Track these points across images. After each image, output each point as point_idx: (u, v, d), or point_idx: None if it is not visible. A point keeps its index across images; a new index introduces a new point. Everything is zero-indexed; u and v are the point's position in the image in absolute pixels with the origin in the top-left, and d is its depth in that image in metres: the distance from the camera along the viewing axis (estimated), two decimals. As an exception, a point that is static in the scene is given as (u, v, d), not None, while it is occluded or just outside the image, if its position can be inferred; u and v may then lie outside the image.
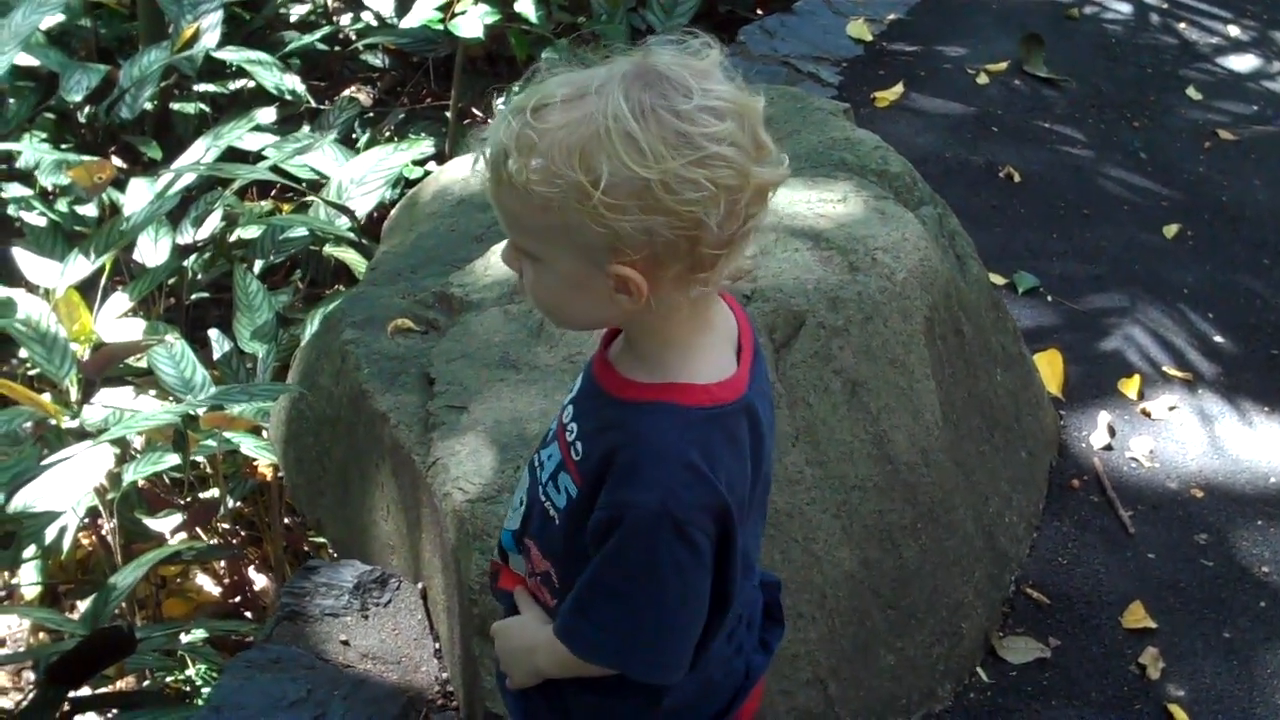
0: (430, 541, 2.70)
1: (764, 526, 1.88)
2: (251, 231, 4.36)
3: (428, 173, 4.37)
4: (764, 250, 2.87)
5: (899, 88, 5.17)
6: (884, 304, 2.86)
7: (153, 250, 4.14)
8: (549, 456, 1.73)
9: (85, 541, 3.82)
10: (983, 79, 5.33)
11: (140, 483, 3.58)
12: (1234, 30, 6.07)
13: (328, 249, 4.41)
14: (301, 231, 4.35)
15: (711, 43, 1.55)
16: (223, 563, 3.94)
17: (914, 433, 2.86)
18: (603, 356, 1.68)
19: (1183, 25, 6.08)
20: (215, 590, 3.92)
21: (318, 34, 5.29)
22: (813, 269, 2.85)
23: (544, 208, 1.50)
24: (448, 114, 5.31)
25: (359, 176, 4.39)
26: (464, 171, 3.62)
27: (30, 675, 3.70)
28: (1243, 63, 5.81)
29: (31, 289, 3.95)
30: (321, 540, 3.61)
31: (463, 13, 4.91)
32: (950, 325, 3.08)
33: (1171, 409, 3.72)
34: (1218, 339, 4.02)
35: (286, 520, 3.95)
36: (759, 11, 6.06)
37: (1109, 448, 3.57)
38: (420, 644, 2.74)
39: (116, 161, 4.96)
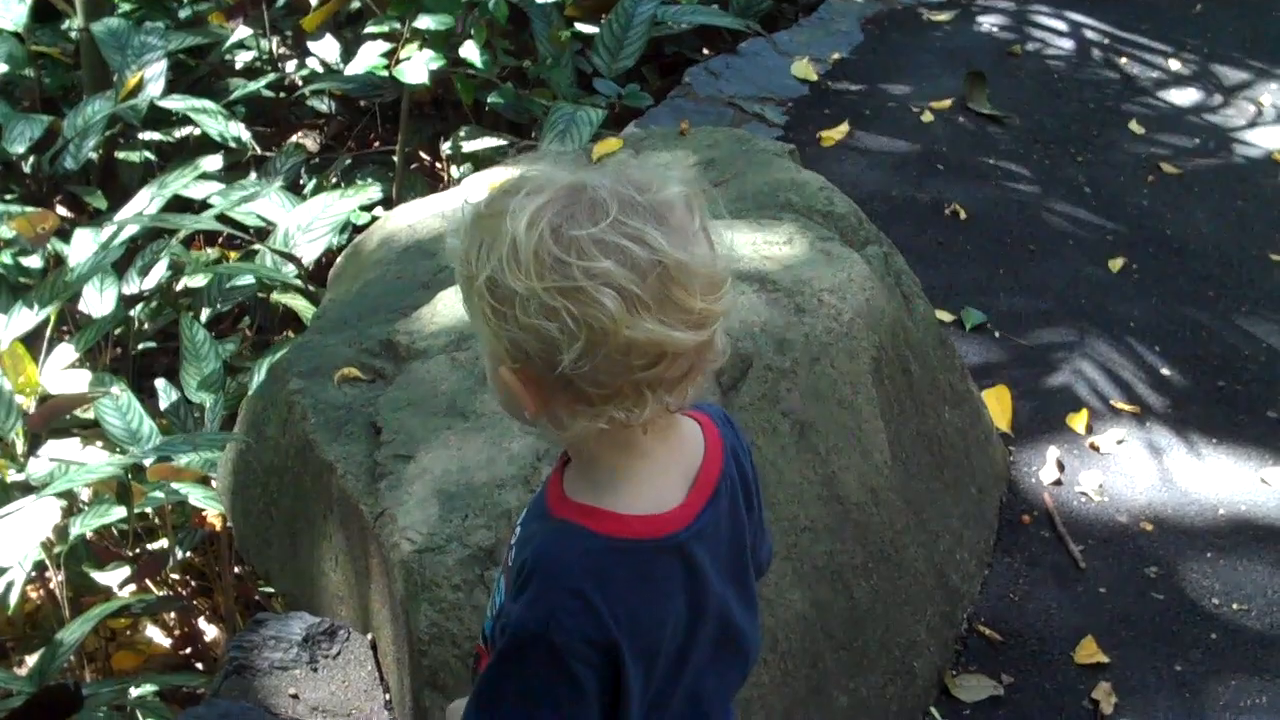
0: (379, 592, 2.68)
1: (741, 667, 1.77)
2: (198, 280, 4.34)
3: (375, 218, 4.36)
4: (710, 293, 2.88)
5: (844, 127, 5.19)
6: (831, 345, 2.87)
7: (98, 300, 4.12)
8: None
9: (33, 595, 3.78)
10: (927, 117, 5.36)
11: (88, 535, 3.55)
12: (1175, 64, 6.13)
13: (275, 296, 4.40)
14: (248, 280, 4.34)
15: (696, 192, 1.51)
16: (173, 614, 3.90)
17: (863, 472, 2.87)
18: (559, 468, 1.63)
19: (1124, 60, 6.13)
20: (166, 642, 3.88)
21: (263, 81, 5.27)
22: (759, 311, 2.85)
23: (465, 295, 1.51)
24: (395, 159, 5.30)
25: (305, 223, 4.38)
26: (410, 218, 3.61)
27: (-23, 733, 3.66)
28: (1184, 96, 5.87)
29: (-24, 342, 3.92)
30: (272, 590, 3.59)
31: (407, 59, 4.91)
32: (898, 364, 3.08)
33: (1120, 442, 3.74)
34: (1165, 372, 4.04)
35: (237, 570, 3.92)
36: (705, 52, 6.08)
37: (1058, 483, 3.58)
38: (370, 695, 2.72)
39: (61, 211, 4.93)
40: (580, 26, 5.59)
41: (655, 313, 1.43)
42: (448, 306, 3.04)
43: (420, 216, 3.58)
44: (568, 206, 1.44)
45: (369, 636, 2.80)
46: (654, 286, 1.43)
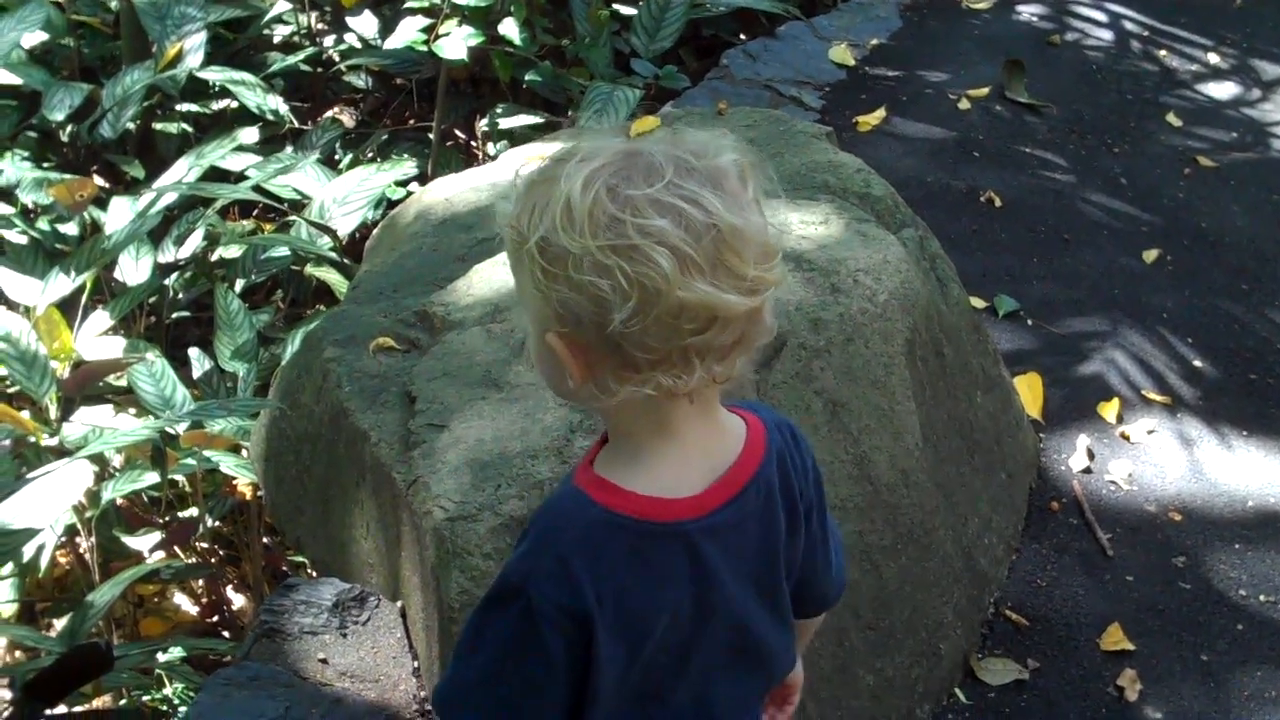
0: (410, 560, 2.70)
1: (762, 680, 1.76)
2: (233, 251, 4.36)
3: (410, 193, 4.37)
4: (745, 271, 2.88)
5: (881, 112, 5.19)
6: (865, 325, 2.87)
7: (134, 269, 4.14)
8: None
9: (63, 559, 3.81)
10: (964, 104, 5.36)
11: (119, 501, 3.57)
12: (1214, 58, 6.11)
13: (309, 269, 4.41)
14: (283, 251, 4.35)
15: (749, 161, 1.51)
16: (200, 582, 3.93)
17: (895, 454, 2.87)
18: (598, 444, 1.63)
19: (1163, 53, 6.11)
20: (193, 609, 3.90)
21: (301, 55, 5.29)
22: (794, 290, 2.85)
23: (514, 260, 1.51)
24: (431, 135, 5.31)
25: (341, 196, 4.39)
26: (446, 192, 3.62)
27: (7, 693, 3.68)
28: (1222, 90, 5.85)
29: (12, 307, 3.94)
30: (301, 560, 3.60)
31: (446, 34, 4.92)
32: (931, 347, 3.08)
33: (1150, 432, 3.74)
34: (1197, 363, 4.04)
35: (265, 540, 3.94)
36: (742, 36, 6.08)
37: (1088, 470, 3.58)
38: (399, 662, 2.73)
39: (99, 180, 4.95)
40: (619, 7, 5.60)
41: (708, 276, 1.42)
42: (483, 279, 3.05)
43: (457, 190, 3.59)
44: (623, 169, 1.44)
45: (399, 604, 2.81)
46: (708, 249, 1.42)
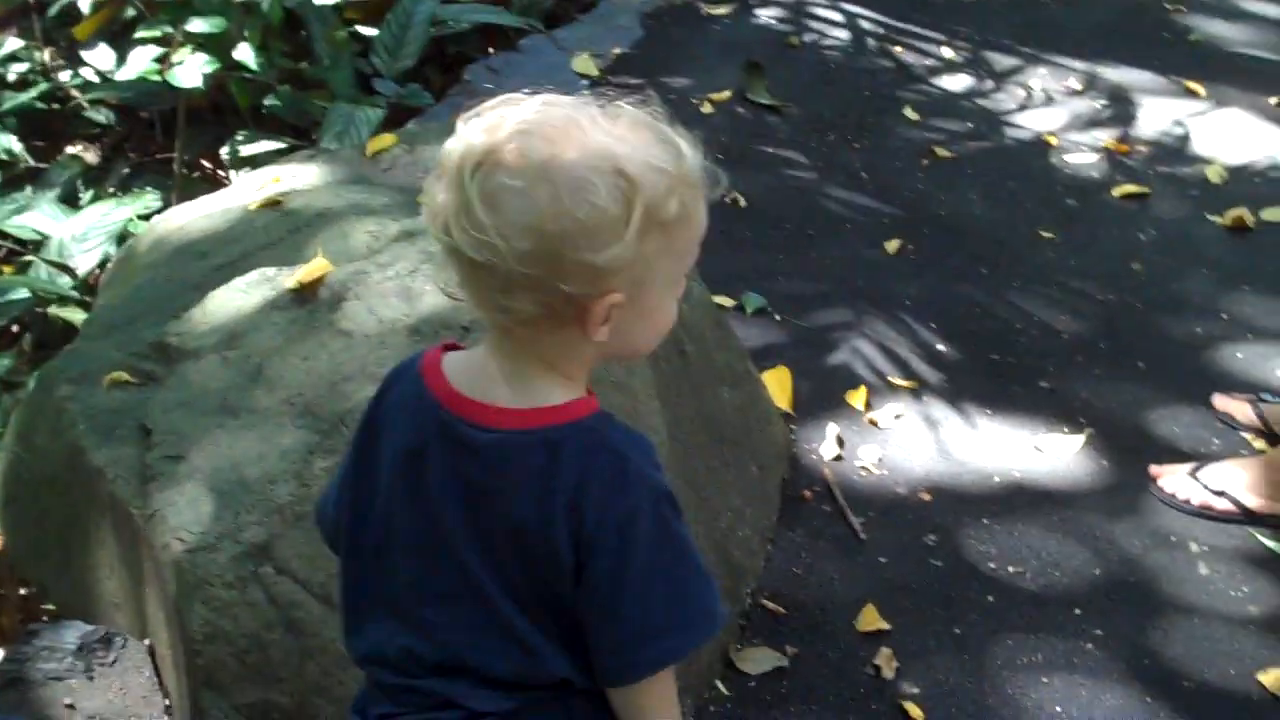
0: (154, 596, 2.65)
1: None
2: (-32, 295, 4.24)
3: (151, 226, 4.29)
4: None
5: (625, 120, 5.22)
6: (603, 328, 2.89)
7: None
8: None
9: None
10: (707, 108, 5.43)
11: None
12: (947, 52, 6.29)
13: (53, 309, 4.31)
14: (23, 293, 4.25)
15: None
16: (-48, 638, 3.81)
17: (640, 453, 2.89)
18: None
19: (899, 49, 6.27)
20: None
21: (34, 91, 5.17)
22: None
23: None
24: (175, 166, 5.22)
25: (80, 233, 4.31)
26: (181, 220, 3.56)
27: None
28: (956, 82, 6.02)
29: None
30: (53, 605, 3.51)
31: (180, 63, 4.85)
32: (673, 346, 3.12)
33: (898, 417, 3.82)
34: (940, 347, 4.14)
35: (22, 590, 3.84)
36: (491, 51, 6.09)
37: (839, 458, 3.65)
38: (150, 702, 2.68)
39: None
40: (361, 29, 5.57)
41: (454, 186, 1.56)
42: (219, 305, 3.00)
43: (191, 218, 3.54)
44: (510, 99, 1.64)
45: (146, 642, 2.76)
46: (471, 161, 1.55)
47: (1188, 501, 3.61)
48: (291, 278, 2.96)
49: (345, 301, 2.87)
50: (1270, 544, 3.53)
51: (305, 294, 2.92)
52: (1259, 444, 3.86)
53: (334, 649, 2.48)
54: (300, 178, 3.62)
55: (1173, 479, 3.66)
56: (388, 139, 3.82)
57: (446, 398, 1.68)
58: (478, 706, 1.72)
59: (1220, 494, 3.59)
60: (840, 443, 3.69)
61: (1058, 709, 3.03)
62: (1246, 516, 3.58)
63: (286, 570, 2.49)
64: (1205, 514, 3.60)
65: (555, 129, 1.56)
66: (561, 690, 1.73)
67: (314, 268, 2.96)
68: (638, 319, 1.67)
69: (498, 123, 1.56)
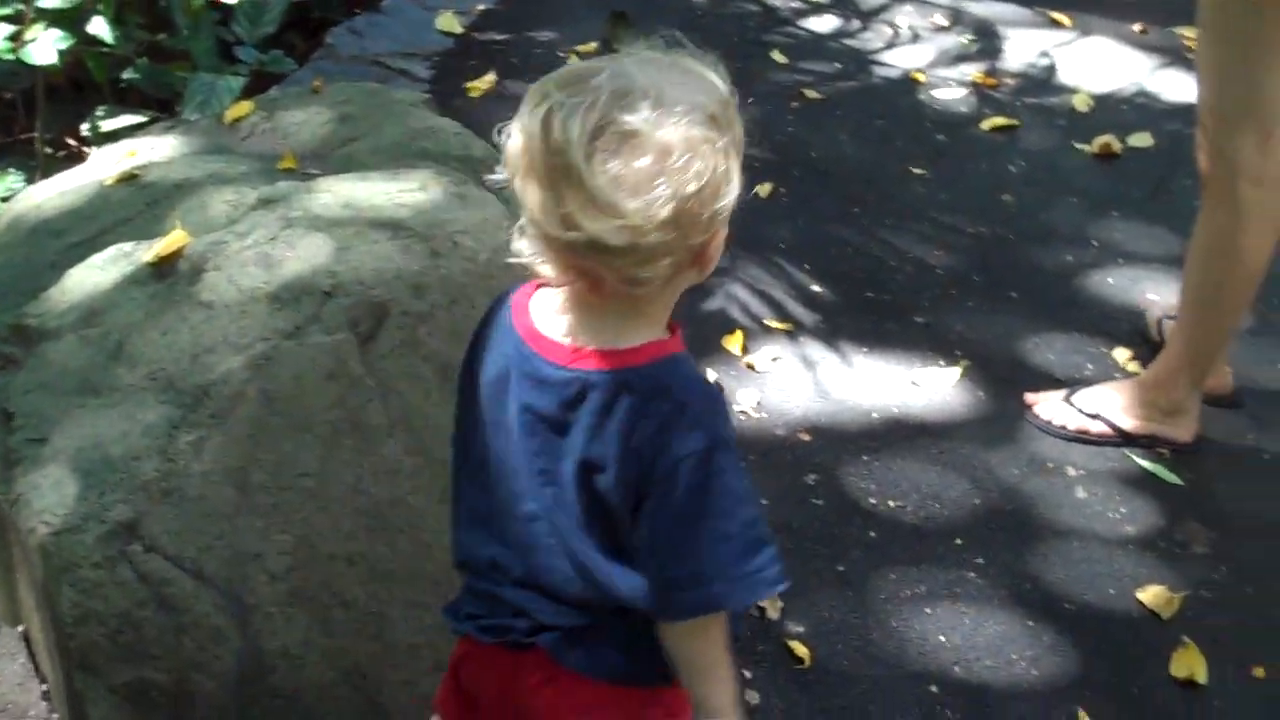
0: (25, 581, 2.61)
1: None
2: None
3: (12, 207, 4.20)
4: (343, 245, 2.84)
5: (491, 76, 5.19)
6: (469, 286, 2.86)
7: None
8: None
9: None
10: (573, 60, 5.39)
11: None
12: (814, -9, 6.30)
13: (-88, 299, 4.21)
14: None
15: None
16: None
17: (513, 409, 2.87)
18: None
19: (764, -8, 6.27)
20: None
21: (-116, 77, 5.04)
22: (393, 258, 2.83)
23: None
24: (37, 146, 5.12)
25: (-65, 219, 4.20)
26: (36, 199, 3.49)
27: None
28: (823, 24, 6.03)
29: None
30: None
31: (33, 40, 4.74)
32: (541, 300, 3.10)
33: (775, 359, 3.84)
34: (815, 288, 4.16)
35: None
36: (358, 13, 6.01)
37: (717, 404, 3.65)
38: (25, 688, 2.64)
39: None
40: (222, -3, 5.47)
41: (540, 188, 1.64)
42: (77, 284, 2.94)
43: (46, 196, 3.46)
44: (572, 77, 1.67)
45: (20, 629, 2.71)
46: (548, 168, 1.62)
47: (1064, 427, 3.65)
48: (149, 252, 2.91)
49: (205, 273, 2.82)
50: (1145, 464, 3.59)
51: (164, 267, 2.87)
52: (1132, 366, 3.91)
53: (208, 623, 2.46)
54: (157, 150, 3.55)
55: (1048, 406, 3.70)
56: (245, 106, 3.75)
57: (527, 334, 1.79)
58: (547, 620, 1.84)
59: (1095, 417, 3.64)
60: (719, 388, 3.69)
61: (941, 639, 3.07)
62: (1122, 438, 3.63)
63: (155, 547, 2.46)
64: (1081, 438, 3.65)
65: (644, 98, 1.61)
66: (625, 613, 1.80)
67: (172, 240, 2.91)
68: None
69: (583, 110, 1.59)
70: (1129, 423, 3.64)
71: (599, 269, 1.67)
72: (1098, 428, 3.65)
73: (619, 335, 1.74)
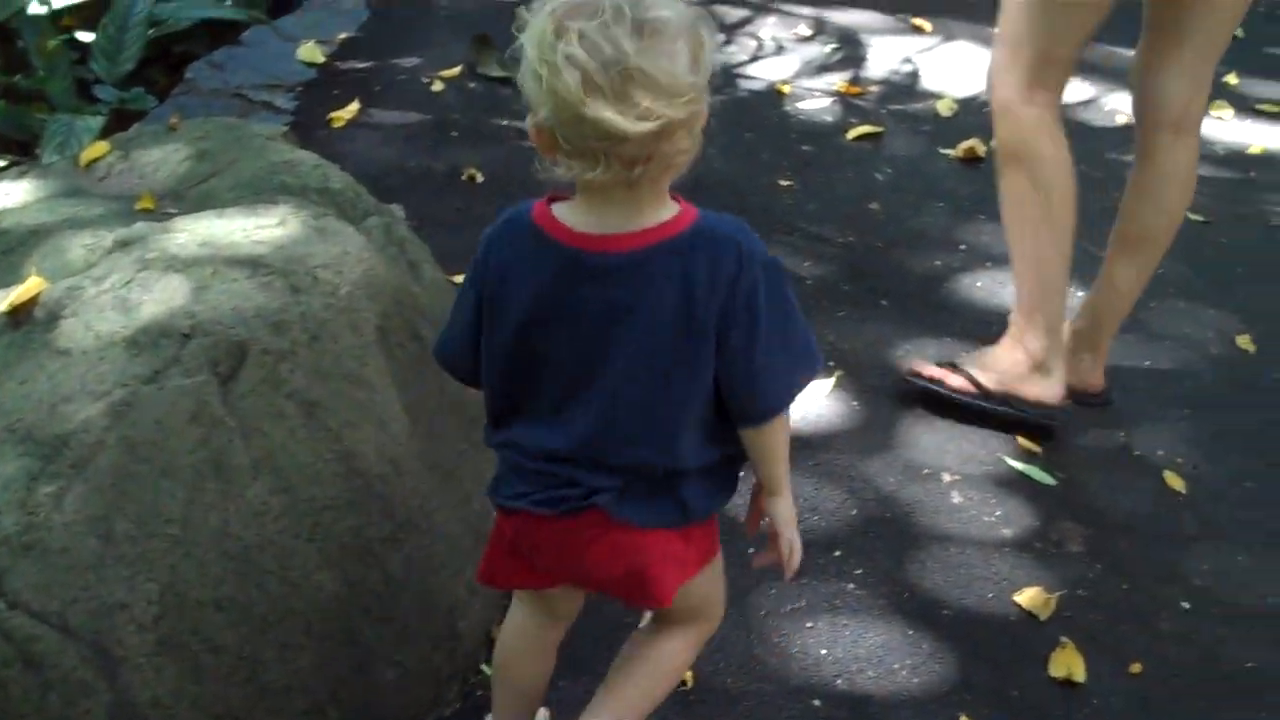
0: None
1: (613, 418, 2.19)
2: None
3: None
4: (201, 285, 2.80)
5: (355, 105, 5.17)
6: (330, 320, 2.83)
7: None
8: None
9: None
10: (438, 86, 5.39)
11: None
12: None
13: None
14: None
15: (690, 22, 1.97)
16: None
17: (381, 444, 2.85)
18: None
19: (627, 9, 6.27)
20: None
21: None
22: (252, 296, 2.79)
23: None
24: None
25: None
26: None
27: None
28: (689, 39, 6.03)
29: None
30: None
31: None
32: (407, 332, 3.07)
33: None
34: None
35: None
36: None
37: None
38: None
39: None
40: (80, 35, 5.41)
41: (611, 101, 1.88)
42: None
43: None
44: (577, 7, 1.90)
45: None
46: (614, 80, 1.87)
47: (919, 374, 3.81)
48: (4, 300, 2.85)
49: (62, 320, 2.77)
50: (1019, 465, 3.64)
51: (19, 316, 2.82)
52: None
53: (75, 678, 2.42)
54: (12, 196, 3.49)
55: (928, 368, 3.79)
56: (101, 147, 3.69)
57: (572, 239, 2.09)
58: (599, 485, 2.18)
59: (956, 370, 3.80)
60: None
61: (823, 652, 3.08)
62: (980, 393, 3.71)
63: (19, 603, 2.41)
64: (938, 388, 3.83)
65: None
66: (672, 474, 2.20)
67: (28, 288, 2.86)
68: None
69: (613, 23, 1.88)
70: (989, 379, 3.73)
71: (658, 150, 1.96)
72: (957, 381, 3.72)
73: (653, 216, 2.07)
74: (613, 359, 2.11)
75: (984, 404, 3.73)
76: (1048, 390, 3.70)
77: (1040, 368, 3.68)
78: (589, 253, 2.07)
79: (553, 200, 2.15)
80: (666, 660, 2.52)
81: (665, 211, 2.09)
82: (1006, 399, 3.72)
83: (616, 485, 2.18)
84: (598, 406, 2.14)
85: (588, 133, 1.92)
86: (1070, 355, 3.81)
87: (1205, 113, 3.67)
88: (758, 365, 2.11)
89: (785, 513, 2.42)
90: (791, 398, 2.21)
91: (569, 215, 2.11)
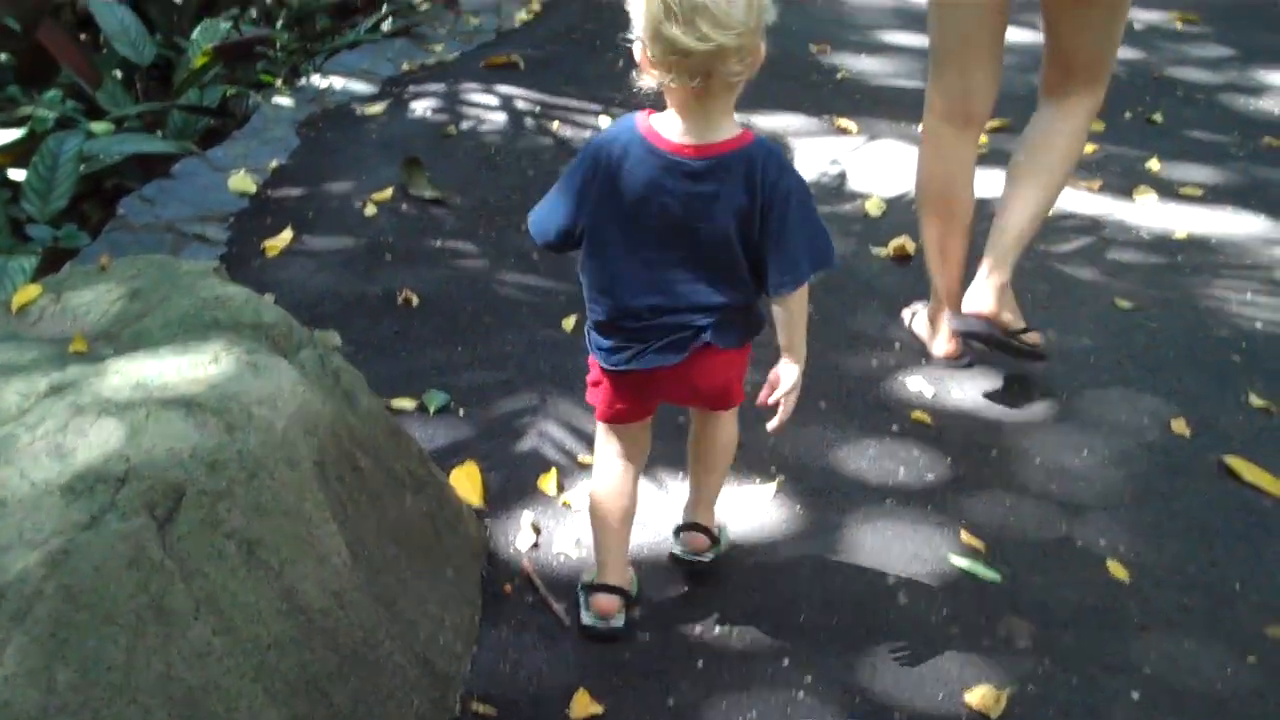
0: None
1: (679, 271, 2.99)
2: None
3: None
4: (135, 428, 2.80)
5: (288, 233, 5.18)
6: (267, 458, 2.84)
7: None
8: None
9: None
10: (370, 209, 5.41)
11: None
12: (605, 121, 6.37)
13: None
14: None
15: None
16: None
17: (323, 578, 2.84)
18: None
19: (556, 124, 6.34)
20: None
21: None
22: (187, 436, 2.79)
23: None
24: None
25: None
26: None
27: None
28: (617, 150, 6.09)
29: None
30: None
31: None
32: (345, 463, 3.08)
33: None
34: (625, 418, 4.17)
35: None
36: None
37: (536, 546, 3.65)
38: None
39: None
40: (12, 173, 5.41)
41: (680, 25, 2.60)
42: None
43: None
44: None
45: None
46: (685, 10, 2.59)
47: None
48: (-62, 451, 2.84)
49: (-4, 469, 2.76)
50: (962, 563, 3.65)
51: (-46, 467, 2.81)
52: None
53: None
54: (-56, 343, 3.48)
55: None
56: (33, 290, 3.69)
57: (669, 147, 2.82)
58: (699, 322, 2.97)
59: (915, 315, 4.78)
60: (537, 530, 3.69)
61: (777, 763, 3.07)
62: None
63: (-38, 764, 2.39)
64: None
65: None
66: (740, 307, 3.01)
67: (-39, 436, 2.85)
68: None
69: None
70: (920, 325, 4.72)
71: (715, 69, 2.66)
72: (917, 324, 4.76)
73: (726, 131, 2.82)
74: (701, 232, 2.86)
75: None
76: (936, 344, 4.62)
77: (934, 322, 4.62)
78: (685, 158, 2.81)
79: (650, 115, 2.86)
80: (730, 438, 3.47)
81: (732, 130, 2.82)
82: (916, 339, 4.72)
83: (713, 322, 2.96)
84: (692, 266, 2.91)
85: (665, 47, 2.62)
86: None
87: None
88: (789, 243, 2.86)
89: (794, 375, 3.05)
90: (808, 275, 2.91)
91: (666, 128, 2.83)
